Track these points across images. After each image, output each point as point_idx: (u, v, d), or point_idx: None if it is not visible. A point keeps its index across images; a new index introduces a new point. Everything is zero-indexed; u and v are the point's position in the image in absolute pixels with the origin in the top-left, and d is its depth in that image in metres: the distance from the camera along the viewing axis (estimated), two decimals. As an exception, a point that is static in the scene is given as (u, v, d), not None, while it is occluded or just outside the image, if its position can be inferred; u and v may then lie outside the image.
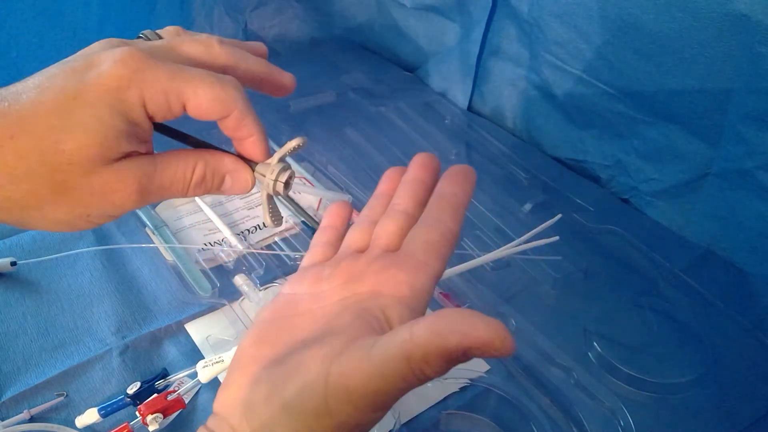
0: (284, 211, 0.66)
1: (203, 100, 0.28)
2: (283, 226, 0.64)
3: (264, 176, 0.32)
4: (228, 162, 0.32)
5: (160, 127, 0.32)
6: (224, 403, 0.27)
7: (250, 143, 0.31)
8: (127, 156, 0.28)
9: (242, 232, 0.63)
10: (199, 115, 0.29)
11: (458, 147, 0.80)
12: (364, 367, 0.23)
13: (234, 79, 0.30)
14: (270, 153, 0.32)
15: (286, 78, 0.34)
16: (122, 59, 0.27)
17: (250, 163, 0.32)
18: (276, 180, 0.31)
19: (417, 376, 0.23)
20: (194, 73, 0.28)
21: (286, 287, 0.32)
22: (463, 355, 0.22)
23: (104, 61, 0.27)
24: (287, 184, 0.32)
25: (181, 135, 0.33)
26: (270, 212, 0.33)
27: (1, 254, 0.56)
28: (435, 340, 0.22)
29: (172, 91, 0.28)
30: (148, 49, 0.28)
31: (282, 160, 0.32)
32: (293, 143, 0.32)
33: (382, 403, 0.24)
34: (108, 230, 0.62)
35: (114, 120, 0.26)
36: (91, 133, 0.26)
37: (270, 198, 0.33)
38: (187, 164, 0.31)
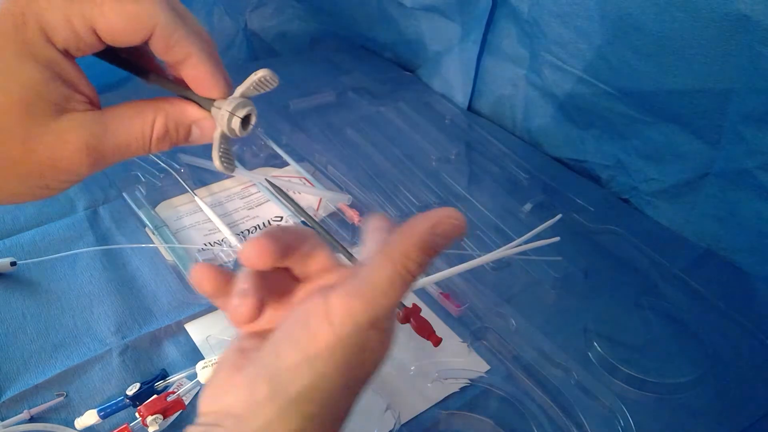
0: (284, 211, 0.66)
1: (113, 19, 0.23)
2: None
3: (219, 110, 0.27)
4: (193, 110, 0.27)
5: (108, 57, 0.28)
6: (213, 405, 0.26)
7: (191, 68, 0.26)
8: (66, 112, 0.24)
9: (242, 232, 0.63)
10: (115, 39, 0.24)
11: (458, 147, 0.80)
12: (357, 287, 0.24)
13: None
14: (229, 83, 0.27)
15: (219, 80, 0.27)
16: None
17: (208, 100, 0.27)
18: (232, 114, 0.26)
19: (402, 275, 0.24)
20: None
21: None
22: (433, 236, 0.25)
23: None
24: (246, 122, 0.27)
25: (134, 64, 0.28)
26: (221, 154, 0.28)
27: (1, 254, 0.56)
28: (407, 234, 0.25)
29: (74, 14, 0.23)
30: None
31: (246, 96, 0.27)
32: (258, 74, 0.26)
33: (386, 319, 0.26)
34: (108, 230, 0.62)
35: (25, 67, 0.23)
36: (7, 91, 0.23)
37: (224, 137, 0.27)
38: (145, 119, 0.26)
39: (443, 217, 0.25)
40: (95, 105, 0.26)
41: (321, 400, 0.24)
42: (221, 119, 0.27)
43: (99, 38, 0.24)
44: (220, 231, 0.63)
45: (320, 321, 0.24)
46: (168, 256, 0.59)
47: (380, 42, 1.03)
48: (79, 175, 0.25)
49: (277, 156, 0.73)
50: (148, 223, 0.62)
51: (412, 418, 0.47)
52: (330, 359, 0.24)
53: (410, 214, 0.67)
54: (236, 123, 0.27)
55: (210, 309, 0.54)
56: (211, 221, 0.64)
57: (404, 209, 0.67)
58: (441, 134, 0.82)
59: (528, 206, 0.69)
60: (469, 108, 0.90)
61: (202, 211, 0.65)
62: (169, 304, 0.54)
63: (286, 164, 0.73)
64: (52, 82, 0.24)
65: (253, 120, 0.28)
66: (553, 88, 0.75)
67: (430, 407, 0.47)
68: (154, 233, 0.61)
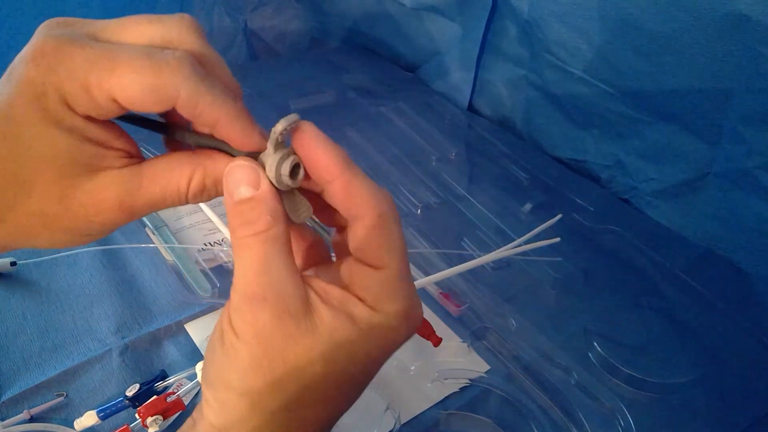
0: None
1: (132, 90, 0.23)
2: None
3: (265, 164, 0.26)
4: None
5: (133, 119, 0.27)
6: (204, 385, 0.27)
7: (221, 129, 0.25)
8: (100, 171, 0.25)
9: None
10: (137, 108, 0.24)
11: (458, 147, 0.80)
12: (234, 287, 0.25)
13: (177, 52, 0.24)
14: (264, 135, 0.26)
15: (252, 137, 0.26)
16: (33, 56, 0.23)
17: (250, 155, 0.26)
18: (278, 173, 0.25)
19: (236, 236, 0.24)
20: (121, 56, 0.23)
21: None
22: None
23: (20, 61, 0.23)
24: (294, 173, 0.25)
25: (162, 123, 0.28)
26: (289, 206, 0.26)
27: (1, 254, 0.56)
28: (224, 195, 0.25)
29: (93, 84, 0.23)
30: (71, 33, 0.24)
31: (279, 145, 0.25)
32: (280, 126, 0.24)
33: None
34: (108, 230, 0.62)
35: (51, 133, 0.23)
36: (38, 155, 0.23)
37: (285, 192, 0.26)
38: (182, 174, 0.26)
39: (224, 176, 0.25)
40: (134, 155, 0.26)
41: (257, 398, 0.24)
42: (269, 173, 0.25)
43: (120, 106, 0.24)
44: (220, 231, 0.63)
45: (225, 320, 0.25)
46: (168, 256, 0.59)
47: (380, 42, 1.03)
48: (115, 225, 0.26)
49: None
50: (148, 223, 0.62)
51: (412, 418, 0.47)
52: (229, 345, 0.24)
53: (410, 214, 0.67)
54: (286, 179, 0.25)
55: (210, 309, 0.54)
56: (211, 221, 0.64)
57: (404, 209, 0.67)
58: (441, 134, 0.82)
59: (528, 206, 0.69)
60: (469, 108, 0.90)
61: (202, 211, 0.65)
62: (169, 304, 0.54)
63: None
64: (80, 145, 0.24)
65: (302, 171, 0.26)
66: (553, 88, 0.75)
67: (430, 407, 0.47)
68: (154, 233, 0.61)
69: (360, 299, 0.25)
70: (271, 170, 0.25)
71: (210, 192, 0.27)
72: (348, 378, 0.25)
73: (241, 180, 0.25)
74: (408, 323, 0.26)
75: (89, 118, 0.24)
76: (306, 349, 0.24)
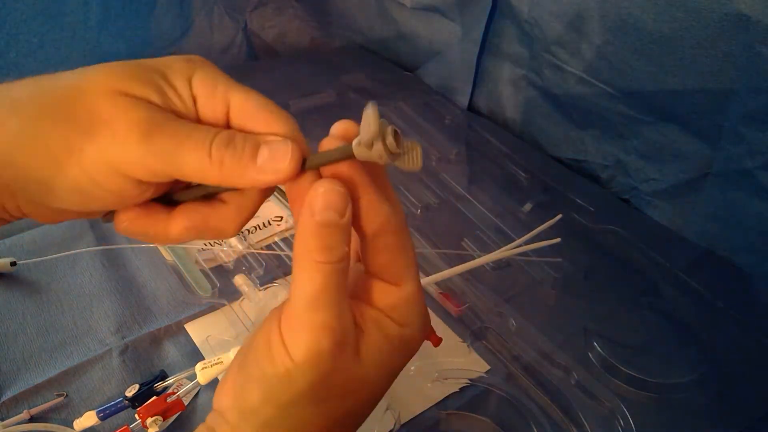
0: (284, 211, 0.66)
1: (251, 103, 0.25)
2: (283, 226, 0.64)
3: (369, 149, 0.23)
4: (267, 134, 0.25)
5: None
6: (222, 400, 0.27)
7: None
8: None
9: (242, 232, 0.63)
10: (242, 118, 0.26)
11: (458, 147, 0.80)
12: (289, 309, 0.25)
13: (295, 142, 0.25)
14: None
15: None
16: (192, 55, 0.27)
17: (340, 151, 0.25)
18: (384, 142, 0.23)
19: (320, 270, 0.24)
20: (252, 89, 0.26)
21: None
22: (313, 217, 0.24)
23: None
24: (396, 138, 0.24)
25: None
26: (403, 159, 0.24)
27: (1, 254, 0.56)
28: (299, 226, 0.24)
29: (222, 84, 0.26)
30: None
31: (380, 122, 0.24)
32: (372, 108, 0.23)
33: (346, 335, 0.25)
34: (108, 230, 0.62)
35: (152, 73, 0.25)
36: (118, 71, 0.24)
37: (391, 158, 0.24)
38: (213, 126, 0.25)
39: (312, 195, 0.24)
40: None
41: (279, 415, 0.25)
42: (379, 155, 0.23)
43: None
44: (220, 231, 0.62)
45: (275, 336, 0.25)
46: (168, 256, 0.59)
47: (380, 42, 1.03)
48: (125, 158, 0.24)
49: (277, 156, 0.73)
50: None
51: (412, 418, 0.47)
52: (283, 370, 0.24)
53: (410, 214, 0.67)
54: (391, 143, 0.23)
55: (210, 309, 0.54)
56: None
57: (404, 209, 0.67)
58: (441, 134, 0.82)
59: (528, 206, 0.69)
60: (469, 108, 0.90)
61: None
62: (169, 304, 0.54)
63: (286, 164, 0.72)
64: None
65: (401, 135, 0.24)
66: (553, 88, 0.75)
67: (430, 407, 0.47)
68: (154, 233, 0.61)
69: (389, 317, 0.26)
70: (377, 141, 0.23)
71: (238, 146, 0.25)
72: (382, 393, 0.28)
73: (331, 203, 0.24)
74: (425, 329, 0.28)
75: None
76: (357, 377, 0.25)
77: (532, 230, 0.59)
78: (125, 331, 0.52)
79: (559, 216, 0.62)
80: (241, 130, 0.25)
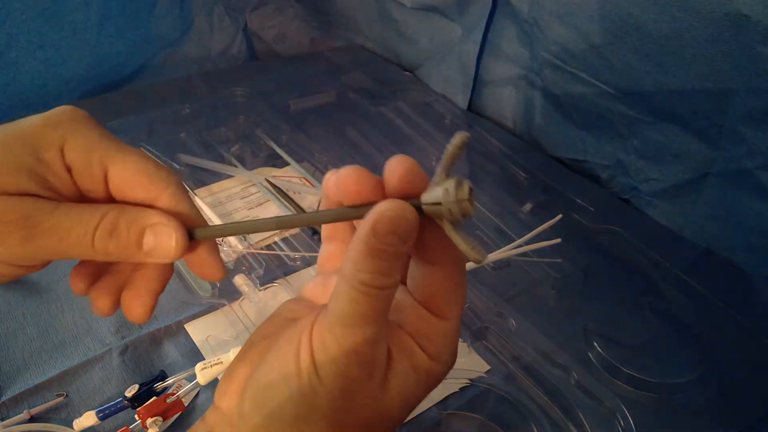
0: (284, 211, 0.66)
1: (129, 169, 0.25)
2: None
3: (436, 200, 0.22)
4: (153, 214, 0.25)
5: None
6: (226, 400, 0.26)
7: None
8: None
9: (242, 232, 0.63)
10: (122, 186, 0.25)
11: (458, 147, 0.80)
12: (326, 319, 0.23)
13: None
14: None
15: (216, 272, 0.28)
16: (64, 108, 0.25)
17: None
18: (458, 200, 0.22)
19: (362, 291, 0.22)
20: (130, 148, 0.25)
21: (304, 289, 0.31)
22: (375, 237, 0.22)
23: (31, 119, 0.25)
24: (470, 198, 0.22)
25: None
26: (468, 244, 0.22)
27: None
28: (354, 241, 0.22)
29: (97, 150, 0.25)
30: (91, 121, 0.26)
31: (455, 177, 0.23)
32: (456, 140, 0.23)
33: (372, 352, 0.23)
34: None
35: (20, 151, 0.24)
36: None
37: (456, 229, 0.23)
38: (96, 209, 0.25)
39: (378, 213, 0.22)
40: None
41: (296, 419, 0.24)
42: (449, 212, 0.22)
43: (107, 188, 0.26)
44: (220, 231, 0.62)
45: (305, 346, 0.24)
46: (168, 256, 0.59)
47: (380, 42, 1.03)
48: (6, 254, 0.24)
49: (277, 156, 0.73)
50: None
51: (412, 418, 0.47)
52: (308, 384, 0.23)
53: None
54: (467, 206, 0.22)
55: (210, 309, 0.54)
56: (211, 221, 0.64)
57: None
58: (441, 134, 0.82)
59: (528, 206, 0.69)
60: (469, 108, 0.90)
61: (202, 210, 0.65)
62: (169, 304, 0.54)
63: (286, 164, 0.73)
64: (34, 176, 0.24)
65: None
66: (553, 88, 0.75)
67: (430, 407, 0.47)
68: (154, 233, 0.61)
69: (422, 348, 0.26)
70: (450, 199, 0.22)
71: (121, 235, 0.25)
72: (399, 423, 0.26)
73: (397, 229, 0.22)
74: (453, 363, 0.27)
75: (68, 169, 0.25)
76: (379, 407, 0.24)
77: (532, 230, 0.59)
78: (125, 331, 0.52)
79: (559, 216, 0.62)
80: (122, 201, 0.25)
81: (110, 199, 0.26)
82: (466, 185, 0.22)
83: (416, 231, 0.23)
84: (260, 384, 0.25)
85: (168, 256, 0.25)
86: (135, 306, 0.28)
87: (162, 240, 0.25)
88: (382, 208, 0.22)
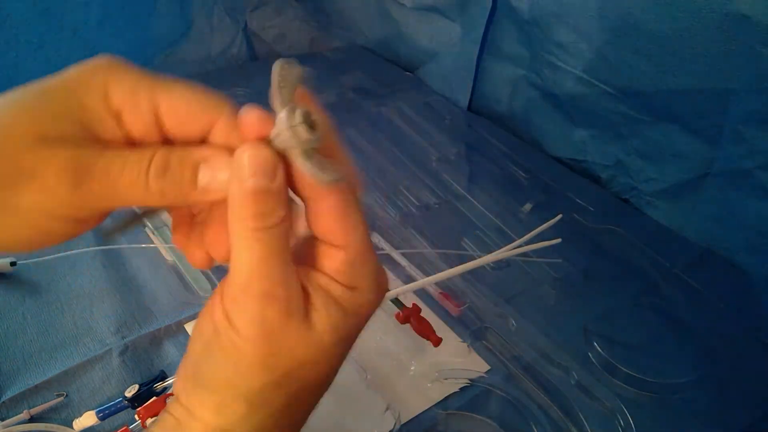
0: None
1: (179, 100, 0.24)
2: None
3: (277, 135, 0.23)
4: (204, 147, 0.24)
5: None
6: (177, 384, 0.26)
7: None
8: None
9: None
10: (175, 121, 0.24)
11: (458, 147, 0.80)
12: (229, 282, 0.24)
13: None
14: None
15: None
16: (101, 56, 0.24)
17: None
18: (292, 126, 0.22)
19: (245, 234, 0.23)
20: (176, 80, 0.24)
21: None
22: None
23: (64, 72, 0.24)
24: (311, 125, 0.22)
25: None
26: (319, 167, 0.23)
27: (1, 254, 0.56)
28: (232, 179, 0.23)
29: (143, 88, 0.23)
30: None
31: (288, 106, 0.23)
32: (276, 68, 0.23)
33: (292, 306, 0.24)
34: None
35: (62, 97, 0.23)
36: (29, 108, 0.23)
37: (306, 156, 0.23)
38: (145, 150, 0.24)
39: (238, 162, 0.22)
40: None
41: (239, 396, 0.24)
42: (287, 142, 0.22)
43: (159, 126, 0.24)
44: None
45: (218, 308, 0.24)
46: (168, 256, 0.59)
47: (380, 42, 1.03)
48: (54, 204, 0.23)
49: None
50: (148, 223, 0.62)
51: (412, 418, 0.47)
52: (228, 340, 0.23)
53: (410, 214, 0.67)
54: (302, 132, 0.22)
55: (210, 309, 0.54)
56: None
57: (404, 209, 0.67)
58: (441, 134, 0.82)
59: (528, 206, 0.69)
60: (469, 108, 0.90)
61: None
62: (169, 304, 0.54)
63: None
64: (78, 123, 0.23)
65: (318, 119, 0.23)
66: (553, 88, 0.75)
67: (430, 407, 0.47)
68: (154, 233, 0.61)
69: (335, 280, 0.25)
70: (283, 127, 0.22)
71: (174, 173, 0.24)
72: (340, 361, 0.26)
73: (258, 167, 0.22)
74: (379, 291, 0.26)
75: (116, 115, 0.24)
76: (309, 343, 0.24)
77: (532, 230, 0.59)
78: (125, 331, 0.52)
79: (559, 216, 0.62)
80: (178, 137, 0.24)
81: (163, 144, 0.25)
82: (299, 111, 0.22)
83: (276, 165, 0.23)
84: (191, 361, 0.25)
85: (225, 189, 0.23)
86: (217, 244, 0.27)
87: (218, 174, 0.24)
88: (239, 154, 0.22)
